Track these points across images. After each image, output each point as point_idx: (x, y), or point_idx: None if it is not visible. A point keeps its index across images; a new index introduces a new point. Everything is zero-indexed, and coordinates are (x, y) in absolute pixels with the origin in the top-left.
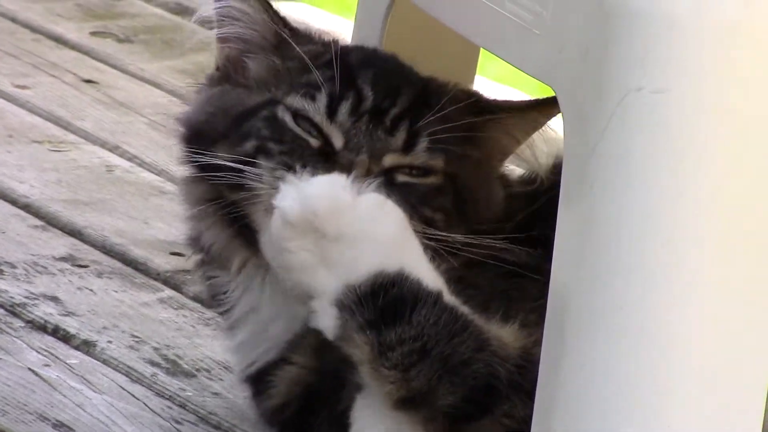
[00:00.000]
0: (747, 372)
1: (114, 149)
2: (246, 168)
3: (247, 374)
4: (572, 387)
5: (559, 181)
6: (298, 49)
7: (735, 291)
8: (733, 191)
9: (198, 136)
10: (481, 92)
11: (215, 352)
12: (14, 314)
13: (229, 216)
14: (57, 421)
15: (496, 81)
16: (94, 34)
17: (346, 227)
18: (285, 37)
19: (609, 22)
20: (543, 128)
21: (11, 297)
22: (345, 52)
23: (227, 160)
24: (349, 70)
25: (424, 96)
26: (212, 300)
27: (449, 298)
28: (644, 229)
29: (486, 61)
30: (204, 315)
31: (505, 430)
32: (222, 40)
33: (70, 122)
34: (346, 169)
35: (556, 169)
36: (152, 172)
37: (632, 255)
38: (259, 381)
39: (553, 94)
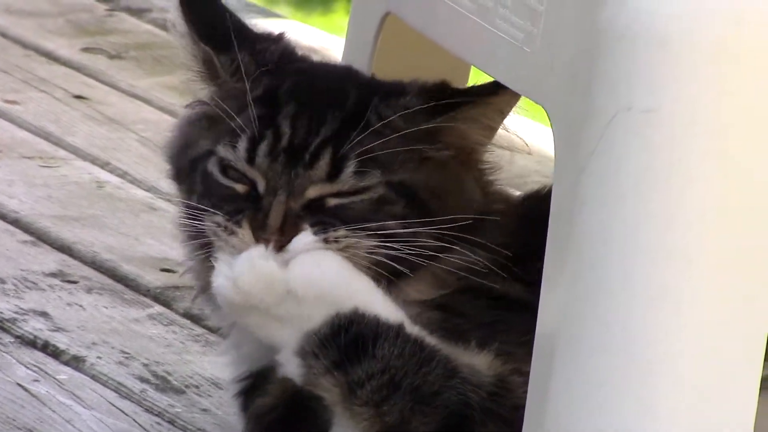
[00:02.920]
0: (735, 392)
1: (104, 165)
2: (198, 215)
3: (247, 373)
4: (560, 403)
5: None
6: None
7: (723, 311)
8: (723, 211)
9: (173, 171)
10: (448, 84)
11: (204, 368)
12: (3, 329)
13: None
14: None
15: None
16: (85, 50)
17: (281, 297)
18: (218, 66)
19: (599, 40)
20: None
21: (0, 312)
22: (278, 81)
23: (185, 205)
24: (274, 104)
25: (360, 114)
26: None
27: (412, 329)
28: (633, 249)
29: (476, 79)
30: (193, 331)
31: None
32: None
33: (60, 138)
34: (267, 212)
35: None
36: (143, 189)
37: (621, 274)
38: (258, 377)
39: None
